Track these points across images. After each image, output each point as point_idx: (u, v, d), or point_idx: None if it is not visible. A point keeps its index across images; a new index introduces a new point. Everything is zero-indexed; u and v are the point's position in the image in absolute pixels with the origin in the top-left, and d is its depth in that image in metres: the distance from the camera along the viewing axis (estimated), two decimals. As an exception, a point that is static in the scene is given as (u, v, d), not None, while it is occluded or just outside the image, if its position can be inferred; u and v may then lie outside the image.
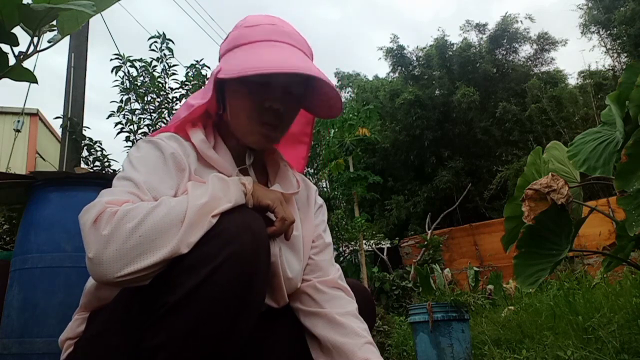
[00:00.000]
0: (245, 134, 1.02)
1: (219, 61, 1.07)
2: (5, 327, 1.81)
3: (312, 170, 6.57)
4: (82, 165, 4.19)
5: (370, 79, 18.73)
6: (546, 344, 2.14)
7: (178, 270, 0.78)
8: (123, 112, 4.10)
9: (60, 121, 4.32)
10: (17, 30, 0.69)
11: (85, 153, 4.26)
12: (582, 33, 14.52)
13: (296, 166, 1.22)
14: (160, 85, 4.16)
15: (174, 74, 4.24)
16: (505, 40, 15.61)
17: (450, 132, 14.91)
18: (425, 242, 7.06)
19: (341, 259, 6.46)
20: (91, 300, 0.95)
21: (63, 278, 1.82)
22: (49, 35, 0.73)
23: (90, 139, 4.24)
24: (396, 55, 16.44)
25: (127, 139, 4.10)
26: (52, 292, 1.80)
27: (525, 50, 16.00)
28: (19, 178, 2.08)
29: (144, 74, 4.17)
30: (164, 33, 4.21)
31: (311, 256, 1.10)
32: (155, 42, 4.20)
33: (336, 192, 6.76)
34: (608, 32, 13.79)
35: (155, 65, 4.21)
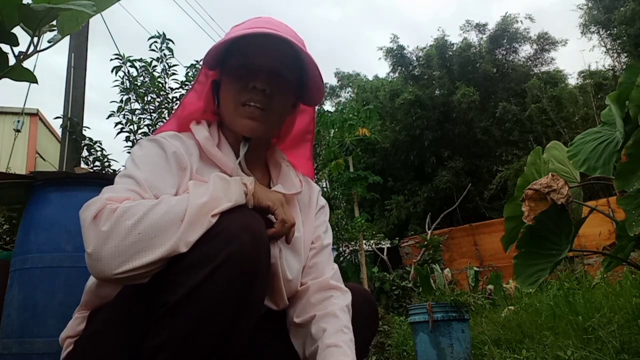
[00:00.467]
0: (233, 119, 1.02)
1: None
2: (5, 327, 1.81)
3: (312, 170, 6.56)
4: (82, 165, 4.19)
5: (370, 79, 18.75)
6: (546, 344, 2.14)
7: (178, 269, 0.78)
8: (123, 112, 4.09)
9: (60, 121, 4.32)
10: (17, 30, 0.69)
11: (85, 153, 4.26)
12: (582, 33, 14.54)
13: (305, 168, 1.22)
14: (160, 85, 4.15)
15: (174, 74, 4.24)
16: (505, 40, 15.60)
17: (450, 132, 14.91)
18: (425, 242, 7.05)
19: (341, 259, 6.46)
20: (92, 299, 0.95)
21: (63, 278, 1.81)
22: (49, 35, 0.73)
23: (90, 139, 4.24)
24: (396, 55, 16.44)
25: (127, 139, 4.10)
26: (52, 292, 1.79)
27: (525, 50, 16.03)
28: (19, 178, 2.08)
29: (144, 74, 4.16)
30: (164, 33, 4.21)
31: (309, 258, 1.10)
32: (155, 42, 4.20)
33: (336, 192, 6.76)
34: (608, 32, 13.78)
35: (155, 65, 4.20)
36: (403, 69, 16.69)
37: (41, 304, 1.78)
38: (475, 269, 4.73)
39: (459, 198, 9.99)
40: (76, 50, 4.50)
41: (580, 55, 35.49)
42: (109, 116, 4.09)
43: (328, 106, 17.86)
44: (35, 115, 11.16)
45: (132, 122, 4.10)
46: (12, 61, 0.71)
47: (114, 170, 4.14)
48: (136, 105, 4.12)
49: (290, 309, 1.06)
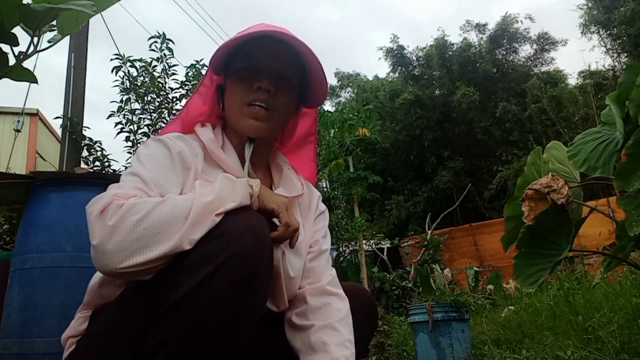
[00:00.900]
0: (237, 119, 1.04)
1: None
2: (5, 327, 1.81)
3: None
4: (82, 165, 4.19)
5: (370, 79, 18.75)
6: (546, 344, 2.14)
7: (180, 268, 0.79)
8: (123, 112, 4.10)
9: (60, 121, 4.32)
10: (17, 30, 0.69)
11: (85, 153, 4.26)
12: (582, 33, 14.54)
13: (308, 171, 1.23)
14: (160, 85, 4.15)
15: (174, 74, 4.24)
16: (505, 40, 15.60)
17: (450, 132, 14.91)
18: (425, 242, 7.05)
19: (341, 259, 6.46)
20: (94, 298, 0.95)
21: (63, 278, 1.82)
22: (49, 35, 0.73)
23: (90, 139, 4.24)
24: (396, 55, 16.44)
25: (127, 139, 4.10)
26: (52, 292, 1.80)
27: (525, 50, 16.02)
28: (19, 178, 2.08)
29: (144, 74, 4.16)
30: (164, 33, 4.21)
31: (306, 261, 1.10)
32: (155, 42, 4.20)
33: (336, 192, 6.76)
34: (608, 32, 13.78)
35: (155, 65, 4.20)
36: (403, 69, 16.69)
37: (41, 304, 1.79)
38: (475, 269, 4.73)
39: (459, 198, 9.99)
40: (76, 50, 4.50)
41: (580, 55, 35.52)
42: (109, 116, 4.10)
43: (328, 106, 17.82)
44: (35, 115, 11.16)
45: (132, 122, 4.10)
46: (12, 61, 0.71)
47: (114, 170, 4.14)
48: (136, 105, 4.13)
49: (289, 309, 1.06)
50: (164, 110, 4.14)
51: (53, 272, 1.82)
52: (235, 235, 0.80)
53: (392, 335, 3.34)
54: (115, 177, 1.87)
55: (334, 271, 1.14)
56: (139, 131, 4.10)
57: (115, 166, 4.20)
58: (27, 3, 0.66)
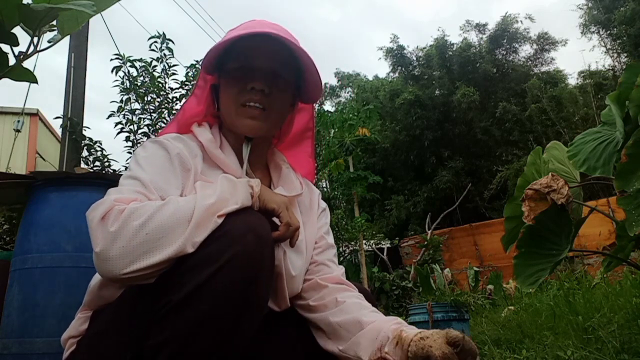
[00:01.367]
0: (233, 120, 1.03)
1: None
2: (5, 327, 1.81)
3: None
4: (82, 165, 4.20)
5: (370, 79, 18.77)
6: (546, 344, 2.13)
7: (182, 269, 0.79)
8: (123, 112, 4.10)
9: (60, 121, 4.32)
10: (17, 30, 0.69)
11: (85, 153, 4.27)
12: (582, 33, 14.56)
13: (306, 167, 1.23)
14: (160, 85, 4.16)
15: (174, 74, 4.25)
16: (505, 40, 15.61)
17: (450, 132, 14.91)
18: (425, 242, 7.06)
19: (341, 259, 6.46)
20: (94, 299, 0.95)
21: (63, 278, 1.81)
22: (49, 35, 0.73)
23: (90, 139, 4.25)
24: (396, 55, 16.45)
25: (127, 139, 4.10)
26: (52, 292, 1.80)
27: (525, 50, 16.04)
28: (19, 178, 2.07)
29: (144, 74, 4.17)
30: (164, 33, 4.21)
31: (314, 256, 1.10)
32: (155, 42, 4.21)
33: (336, 192, 6.76)
34: (608, 32, 13.79)
35: (155, 65, 4.21)
36: (403, 69, 16.70)
37: (41, 304, 1.78)
38: (475, 269, 4.74)
39: (459, 198, 10.00)
40: (76, 50, 4.51)
41: (580, 55, 35.59)
42: (109, 116, 4.10)
43: (328, 106, 17.89)
44: (35, 115, 11.16)
45: (132, 122, 4.11)
46: (12, 61, 0.71)
47: (114, 170, 4.14)
48: (136, 105, 4.14)
49: (304, 298, 1.05)
50: (164, 110, 4.15)
51: (53, 272, 1.82)
52: (237, 236, 0.80)
53: (392, 335, 3.33)
54: (115, 177, 1.87)
55: (342, 269, 1.15)
56: (139, 131, 4.11)
57: (115, 166, 4.21)
58: (27, 3, 0.66)
